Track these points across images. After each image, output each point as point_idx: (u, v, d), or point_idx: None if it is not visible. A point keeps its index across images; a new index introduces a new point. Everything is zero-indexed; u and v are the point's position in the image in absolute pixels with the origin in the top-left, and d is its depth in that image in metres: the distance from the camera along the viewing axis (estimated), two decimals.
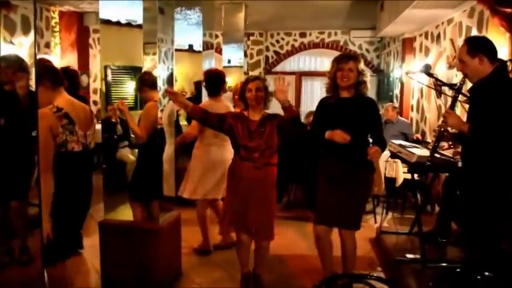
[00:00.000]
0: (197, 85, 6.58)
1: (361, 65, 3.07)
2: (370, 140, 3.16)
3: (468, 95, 2.97)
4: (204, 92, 6.45)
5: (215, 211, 4.23)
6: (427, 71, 3.13)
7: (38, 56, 6.87)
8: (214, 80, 4.02)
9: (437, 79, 3.19)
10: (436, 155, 3.25)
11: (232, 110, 3.32)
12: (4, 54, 4.08)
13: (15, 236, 3.72)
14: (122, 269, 3.23)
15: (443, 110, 5.70)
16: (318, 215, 3.15)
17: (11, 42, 5.57)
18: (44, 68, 2.68)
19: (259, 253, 3.31)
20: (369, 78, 3.12)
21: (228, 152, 3.68)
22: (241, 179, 3.14)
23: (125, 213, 3.44)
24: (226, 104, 4.04)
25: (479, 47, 2.76)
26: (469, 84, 2.94)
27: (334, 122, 3.04)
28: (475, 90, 2.83)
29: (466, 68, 2.80)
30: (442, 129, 3.00)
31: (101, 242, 3.29)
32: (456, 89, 3.04)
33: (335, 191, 3.07)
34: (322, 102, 3.25)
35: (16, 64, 3.77)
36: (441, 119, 2.98)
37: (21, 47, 6.00)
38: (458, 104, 3.33)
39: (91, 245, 3.75)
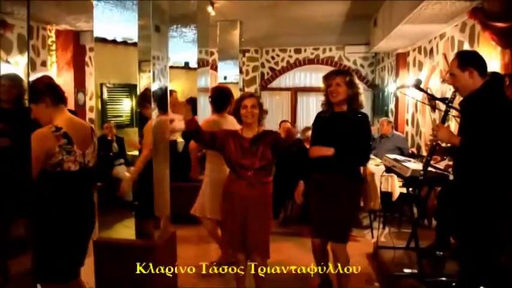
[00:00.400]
0: (188, 102, 6.61)
1: (349, 78, 3.11)
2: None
3: (459, 108, 3.00)
4: (199, 109, 6.53)
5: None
6: (418, 85, 3.15)
7: (36, 75, 6.91)
8: (221, 96, 4.02)
9: (428, 93, 3.22)
10: (429, 168, 3.26)
11: (238, 126, 3.28)
12: (6, 73, 4.08)
13: (25, 251, 3.67)
14: (117, 287, 3.20)
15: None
16: (312, 228, 3.27)
17: (7, 61, 5.59)
18: (45, 85, 2.65)
19: (257, 272, 3.21)
20: (361, 90, 3.17)
21: None
22: (236, 198, 3.10)
23: (120, 231, 3.42)
24: (231, 120, 3.95)
25: (469, 61, 2.79)
26: (460, 98, 2.96)
27: (327, 135, 3.15)
28: (465, 104, 2.86)
29: (456, 81, 2.83)
30: (434, 143, 3.03)
31: (96, 260, 3.26)
32: (447, 103, 3.07)
33: (325, 202, 3.13)
34: (317, 117, 3.34)
35: (17, 83, 3.78)
36: (433, 133, 3.01)
37: (17, 65, 6.03)
38: (452, 118, 3.35)
39: (86, 263, 3.72)
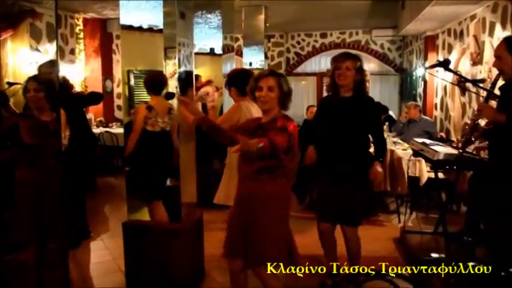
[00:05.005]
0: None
1: (359, 64, 3.07)
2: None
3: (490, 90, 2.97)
4: (225, 95, 6.53)
5: None
6: (447, 64, 3.08)
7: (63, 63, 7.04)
8: (241, 78, 3.90)
9: (456, 74, 3.17)
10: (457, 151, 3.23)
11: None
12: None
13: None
14: (146, 268, 3.27)
15: (467, 108, 5.60)
16: (320, 212, 3.22)
17: (37, 50, 5.73)
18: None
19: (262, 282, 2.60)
20: (369, 77, 3.14)
21: None
22: (236, 195, 2.64)
23: (148, 214, 3.49)
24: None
25: None
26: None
27: (334, 121, 3.10)
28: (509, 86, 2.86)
29: (503, 64, 2.84)
30: (475, 122, 3.02)
31: (125, 242, 3.33)
32: (492, 83, 3.07)
33: (335, 188, 3.10)
34: (323, 102, 3.34)
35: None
36: (476, 112, 3.00)
37: (47, 54, 6.19)
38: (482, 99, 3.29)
39: (116, 245, 3.82)
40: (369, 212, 3.90)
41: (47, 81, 3.13)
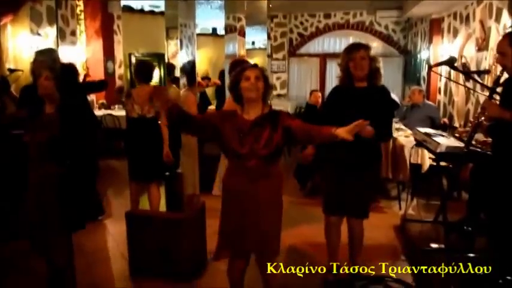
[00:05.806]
0: (221, 75, 6.51)
1: (371, 52, 3.00)
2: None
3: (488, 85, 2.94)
4: (227, 78, 6.50)
5: None
6: (452, 63, 3.02)
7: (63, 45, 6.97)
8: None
9: (462, 72, 3.12)
10: (461, 143, 3.22)
11: None
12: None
13: None
14: (148, 256, 3.32)
15: (471, 94, 5.56)
16: (329, 205, 3.17)
17: (38, 34, 5.65)
18: None
19: (265, 277, 2.67)
20: (382, 64, 3.02)
21: None
22: (234, 195, 2.55)
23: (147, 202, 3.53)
24: None
25: None
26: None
27: (348, 112, 2.92)
28: None
29: (507, 60, 2.78)
30: (480, 119, 2.99)
31: (128, 230, 3.37)
32: (495, 80, 3.00)
33: (344, 180, 3.05)
34: (336, 91, 3.20)
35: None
36: (478, 110, 2.99)
37: (47, 37, 6.13)
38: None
39: (119, 231, 3.86)
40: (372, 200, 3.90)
41: (59, 69, 3.09)
